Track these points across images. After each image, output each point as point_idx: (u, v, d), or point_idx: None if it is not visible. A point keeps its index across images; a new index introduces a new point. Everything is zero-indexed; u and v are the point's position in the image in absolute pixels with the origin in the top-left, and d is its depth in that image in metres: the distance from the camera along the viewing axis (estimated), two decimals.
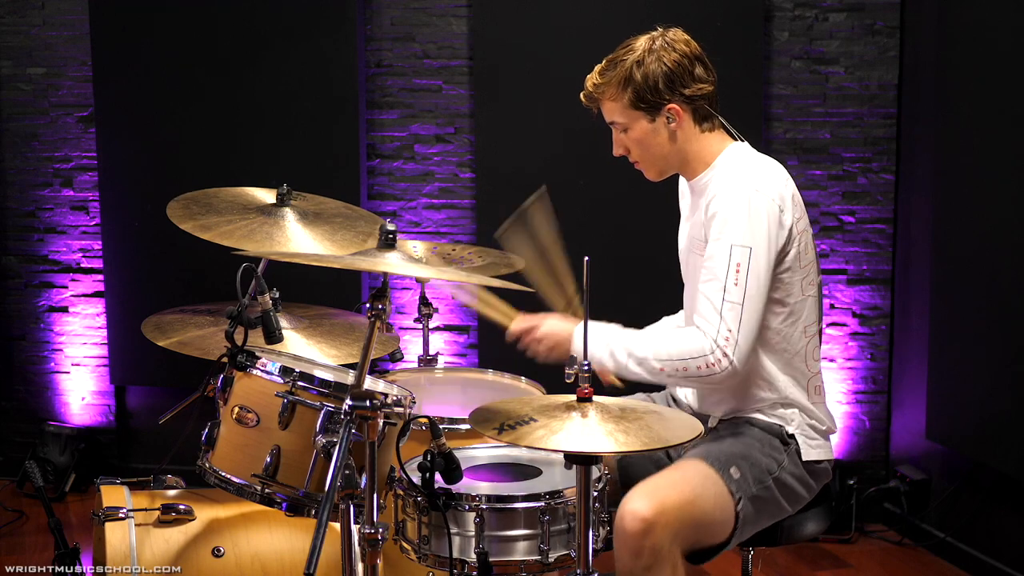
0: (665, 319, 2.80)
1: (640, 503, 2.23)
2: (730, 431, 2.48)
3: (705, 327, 2.33)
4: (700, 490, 2.32)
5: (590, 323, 2.30)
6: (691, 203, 2.58)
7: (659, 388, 2.77)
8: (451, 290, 3.26)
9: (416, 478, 2.20)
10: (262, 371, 2.26)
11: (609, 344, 2.39)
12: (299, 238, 2.69)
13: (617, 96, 2.46)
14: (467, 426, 2.49)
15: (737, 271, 2.31)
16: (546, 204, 2.61)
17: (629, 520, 2.22)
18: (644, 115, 2.46)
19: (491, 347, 4.26)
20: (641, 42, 2.46)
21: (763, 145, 3.63)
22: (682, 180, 2.66)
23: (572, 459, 2.02)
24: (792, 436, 2.48)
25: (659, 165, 2.54)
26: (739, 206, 2.35)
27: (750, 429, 2.48)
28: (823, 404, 2.56)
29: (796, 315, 2.45)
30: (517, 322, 2.54)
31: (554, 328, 2.48)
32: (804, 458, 2.48)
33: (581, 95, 2.53)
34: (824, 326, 3.75)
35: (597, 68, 2.50)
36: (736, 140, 2.53)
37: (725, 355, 2.30)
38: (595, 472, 2.21)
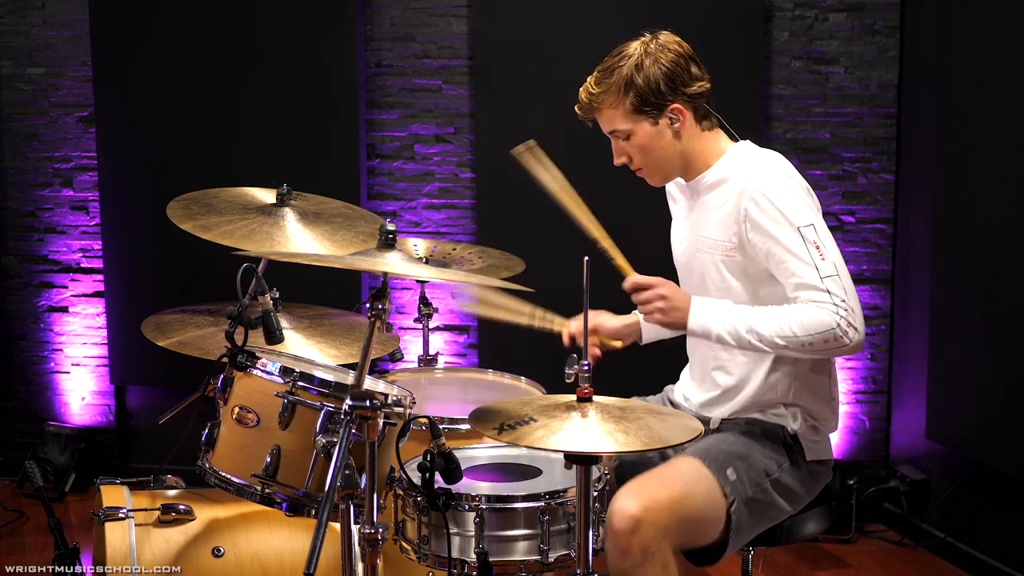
0: None
1: (628, 501, 2.23)
2: (731, 431, 2.48)
3: (824, 302, 2.31)
4: (691, 487, 2.32)
5: (705, 303, 2.40)
6: (689, 203, 2.58)
7: (658, 388, 2.77)
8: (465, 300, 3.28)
9: (416, 478, 2.20)
10: (262, 371, 2.26)
11: (730, 320, 2.37)
12: (299, 238, 2.69)
13: (617, 103, 2.45)
14: (467, 426, 2.49)
15: (818, 248, 2.33)
16: (539, 155, 2.58)
17: (617, 518, 2.22)
18: (647, 118, 2.45)
19: (491, 347, 4.26)
20: (634, 47, 2.46)
21: (763, 145, 3.61)
22: (672, 183, 2.66)
23: (572, 459, 2.02)
24: (794, 437, 2.48)
25: (663, 169, 2.53)
26: (785, 192, 2.38)
27: (752, 430, 2.48)
28: (833, 399, 2.56)
29: None
30: (637, 276, 2.50)
31: (676, 293, 2.45)
32: (806, 458, 2.48)
33: (576, 108, 2.52)
34: None
35: (591, 79, 2.49)
36: (734, 138, 2.54)
37: (850, 324, 2.30)
38: (595, 472, 2.21)
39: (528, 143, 2.60)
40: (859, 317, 2.32)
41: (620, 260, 2.55)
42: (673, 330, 2.54)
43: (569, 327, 2.63)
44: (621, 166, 2.56)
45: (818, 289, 2.31)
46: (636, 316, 2.73)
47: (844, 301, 2.30)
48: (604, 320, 2.71)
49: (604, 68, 2.47)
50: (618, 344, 2.71)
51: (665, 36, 2.47)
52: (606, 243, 2.56)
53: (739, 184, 2.42)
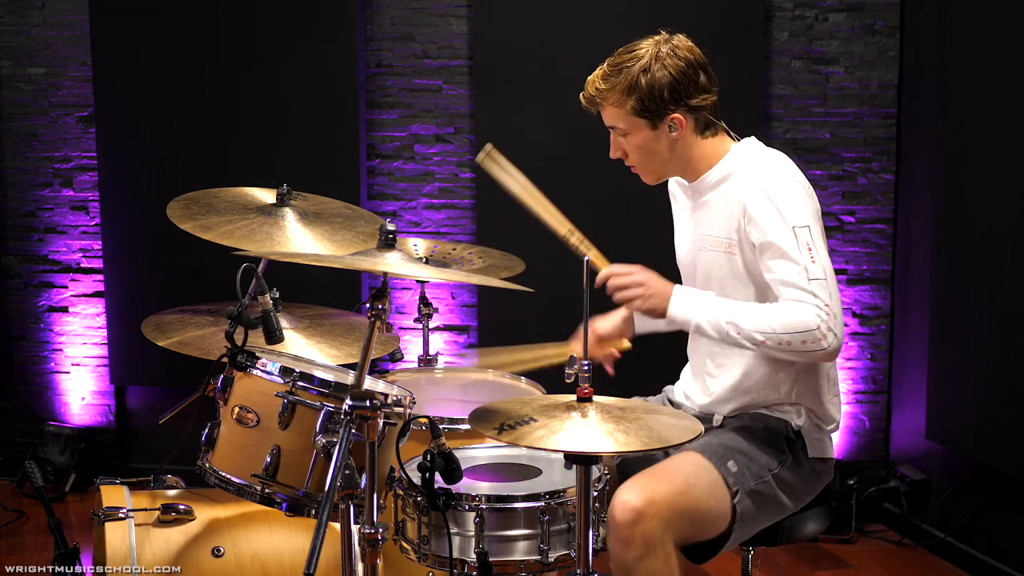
0: None
1: (630, 494, 2.23)
2: (733, 427, 2.48)
3: (808, 301, 2.30)
4: (693, 480, 2.32)
5: (687, 292, 2.40)
6: (692, 203, 2.58)
7: (657, 389, 2.77)
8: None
9: (416, 478, 2.20)
10: (262, 371, 2.26)
11: (712, 312, 2.36)
12: (299, 238, 2.69)
13: (620, 103, 2.44)
14: (467, 426, 2.48)
15: (810, 250, 2.32)
16: (497, 157, 2.60)
17: (619, 510, 2.22)
18: (646, 123, 2.45)
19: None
20: (646, 48, 2.44)
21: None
22: (674, 182, 2.66)
23: (572, 459, 2.02)
24: (797, 433, 2.48)
25: (658, 171, 2.54)
26: (785, 190, 2.37)
27: (754, 425, 2.48)
28: (837, 398, 2.56)
29: None
30: (612, 267, 2.50)
31: (655, 280, 2.45)
32: (809, 455, 2.48)
33: (581, 96, 2.51)
34: None
35: (599, 72, 2.47)
36: (739, 141, 2.54)
37: (831, 329, 2.28)
38: (595, 472, 2.21)
39: (486, 148, 2.62)
40: (840, 325, 2.31)
41: (593, 254, 2.54)
42: (653, 317, 2.50)
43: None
44: (617, 160, 2.55)
45: (804, 290, 2.30)
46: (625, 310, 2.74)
47: (828, 306, 2.29)
48: (599, 326, 2.71)
49: (613, 64, 2.46)
50: (627, 344, 2.71)
51: (679, 40, 2.45)
52: (575, 239, 2.56)
53: (741, 180, 2.42)
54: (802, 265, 2.31)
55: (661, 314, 2.42)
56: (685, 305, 2.39)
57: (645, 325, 2.73)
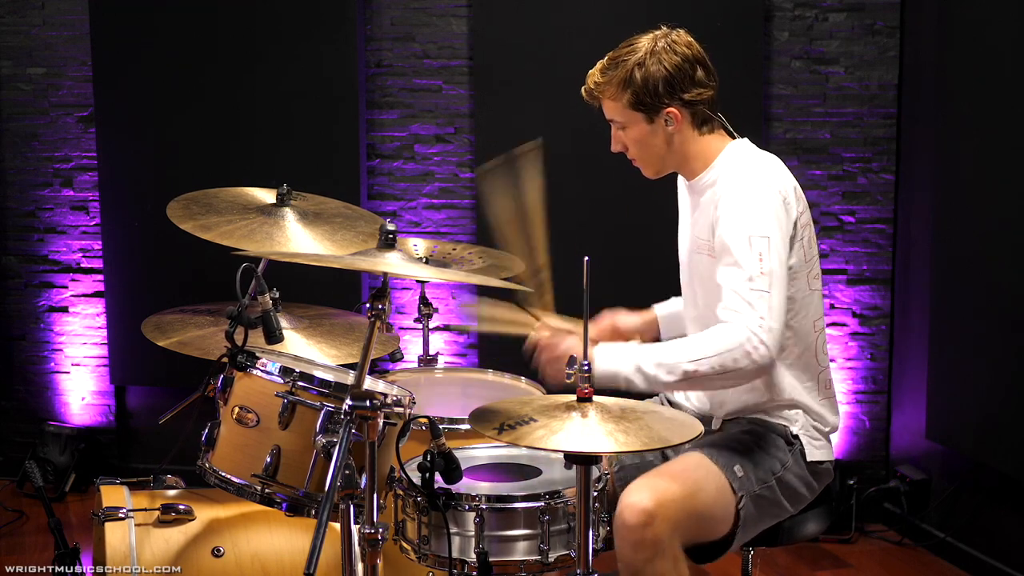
0: (673, 299, 2.79)
1: (640, 495, 2.24)
2: (735, 430, 2.49)
3: (735, 319, 2.28)
4: (701, 483, 2.32)
5: (608, 347, 2.34)
6: (691, 203, 2.58)
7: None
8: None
9: (416, 478, 2.20)
10: (262, 371, 2.26)
11: (635, 359, 2.31)
12: (299, 238, 2.69)
13: (617, 96, 2.46)
14: (467, 426, 2.48)
15: (760, 260, 2.29)
16: (538, 158, 2.56)
17: (629, 513, 2.22)
18: (643, 117, 2.46)
19: (491, 347, 4.26)
20: (644, 42, 2.45)
21: (763, 145, 3.62)
22: (681, 180, 2.66)
23: (572, 459, 2.02)
24: (796, 436, 2.48)
25: (656, 165, 2.54)
26: (751, 198, 2.36)
27: (754, 429, 2.48)
28: (831, 401, 2.56)
29: (805, 309, 2.46)
30: (537, 335, 2.47)
31: (579, 345, 2.35)
32: (808, 459, 2.48)
33: (582, 90, 2.53)
34: (824, 325, 3.75)
35: (599, 65, 2.50)
36: (735, 139, 2.54)
37: (762, 342, 2.25)
38: (595, 472, 2.21)
39: (537, 141, 2.56)
40: (775, 339, 2.27)
41: (546, 298, 2.52)
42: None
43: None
44: (619, 155, 2.56)
45: (742, 298, 2.28)
46: (653, 311, 2.76)
47: (763, 319, 2.26)
48: (622, 320, 2.73)
49: (612, 57, 2.47)
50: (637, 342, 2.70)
51: (677, 35, 2.46)
52: (541, 275, 2.53)
53: (722, 183, 2.43)
54: (748, 273, 2.29)
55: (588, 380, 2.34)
56: (608, 362, 2.32)
57: (672, 328, 2.74)
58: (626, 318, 2.75)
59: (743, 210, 2.35)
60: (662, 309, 2.80)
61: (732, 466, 2.37)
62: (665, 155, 2.50)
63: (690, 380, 2.30)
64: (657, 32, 2.47)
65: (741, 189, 2.38)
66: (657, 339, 2.74)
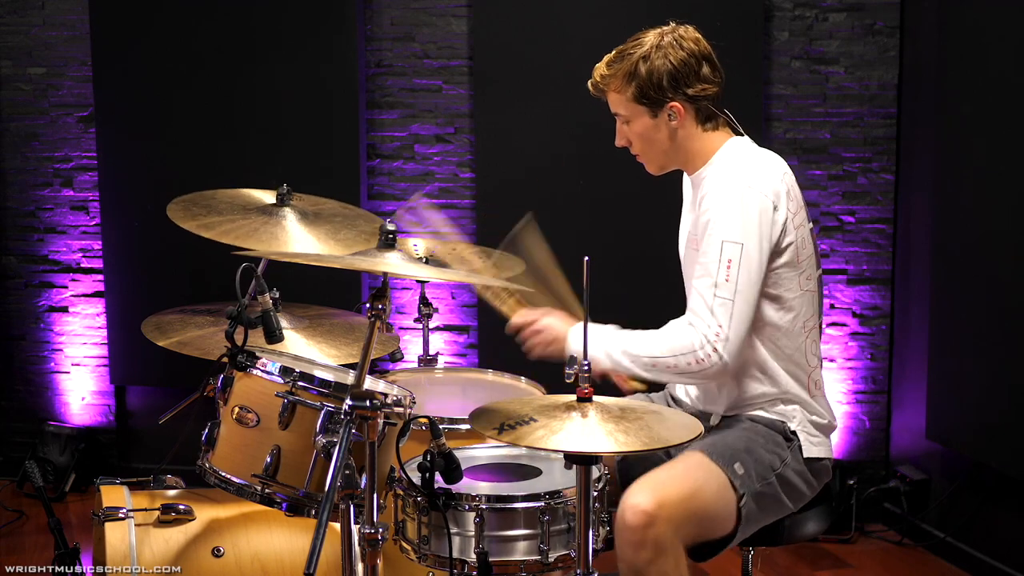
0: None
1: (641, 496, 2.24)
2: (733, 427, 2.49)
3: (696, 322, 2.35)
4: (702, 483, 2.33)
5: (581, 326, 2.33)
6: (692, 199, 2.59)
7: (661, 387, 2.77)
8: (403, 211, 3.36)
9: (416, 478, 2.20)
10: (262, 371, 2.26)
11: (605, 345, 2.41)
12: (299, 238, 2.69)
13: (622, 89, 2.47)
14: (467, 426, 2.49)
15: (728, 267, 2.32)
16: (534, 229, 2.67)
17: (630, 513, 2.22)
18: (646, 110, 2.46)
19: (491, 347, 4.26)
20: (650, 37, 2.46)
21: (763, 145, 3.65)
22: (685, 176, 2.67)
23: (572, 459, 2.02)
24: (794, 433, 2.48)
25: (659, 160, 2.55)
26: (731, 202, 2.37)
27: (753, 425, 2.48)
28: (823, 398, 2.56)
29: (795, 310, 2.46)
30: (519, 315, 2.58)
31: (553, 324, 2.52)
32: (806, 455, 2.48)
33: (588, 84, 2.55)
34: (824, 325, 3.76)
35: (606, 58, 2.51)
36: (739, 135, 2.54)
37: (715, 350, 2.31)
38: (595, 472, 2.21)
39: (527, 217, 2.69)
40: (732, 348, 2.32)
41: (504, 306, 2.61)
42: (558, 360, 2.48)
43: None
44: (621, 152, 2.57)
45: (704, 304, 2.34)
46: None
47: (721, 327, 2.31)
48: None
49: (619, 51, 2.49)
50: (638, 385, 2.71)
51: (684, 31, 2.47)
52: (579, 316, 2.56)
53: (712, 182, 2.44)
54: (714, 279, 2.33)
55: (563, 356, 2.44)
56: (580, 344, 2.37)
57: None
58: None
59: (722, 214, 2.36)
60: None
61: (732, 464, 2.37)
62: (668, 150, 2.50)
63: (651, 372, 2.39)
64: (665, 28, 2.49)
65: (725, 192, 2.38)
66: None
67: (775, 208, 2.38)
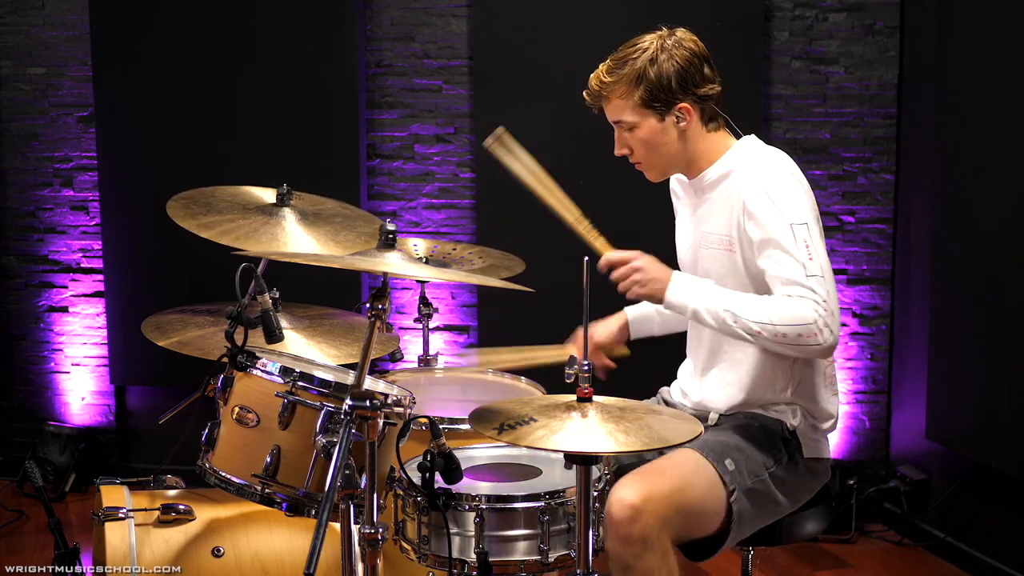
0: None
1: (627, 491, 2.23)
2: (729, 426, 2.49)
3: (808, 295, 2.30)
4: (690, 477, 2.32)
5: (685, 278, 2.40)
6: (694, 201, 2.58)
7: (652, 390, 2.77)
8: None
9: (416, 478, 2.20)
10: (262, 371, 2.26)
11: (705, 299, 2.36)
12: (299, 238, 2.69)
13: (627, 94, 2.46)
14: (467, 426, 2.48)
15: (807, 246, 2.32)
16: (509, 140, 2.59)
17: (617, 508, 2.22)
18: (654, 114, 2.46)
19: (491, 347, 4.26)
20: (650, 41, 2.46)
21: None
22: (675, 180, 2.67)
23: (572, 459, 2.02)
24: (793, 432, 2.48)
25: (663, 165, 2.54)
26: (784, 187, 2.38)
27: (750, 424, 2.48)
28: (834, 397, 2.57)
29: None
30: (613, 252, 2.50)
31: (654, 265, 2.45)
32: (804, 455, 2.48)
33: (584, 93, 2.53)
34: None
35: (603, 66, 2.49)
36: (739, 136, 2.54)
37: (827, 325, 2.28)
38: (595, 472, 2.21)
39: (497, 131, 2.60)
40: (836, 322, 2.31)
41: (598, 242, 2.55)
42: (653, 303, 2.50)
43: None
44: (618, 160, 2.56)
45: (802, 286, 2.30)
46: (623, 314, 2.75)
47: (825, 302, 2.29)
48: (596, 332, 2.75)
49: (617, 58, 2.48)
50: (624, 351, 2.71)
51: (681, 33, 2.48)
52: (581, 226, 2.56)
53: (741, 177, 2.43)
54: (800, 262, 2.32)
55: (659, 300, 2.42)
56: (683, 291, 2.39)
57: (640, 330, 2.75)
58: (599, 329, 2.76)
59: (777, 201, 2.36)
60: (633, 311, 2.82)
61: (723, 460, 2.37)
62: (674, 154, 2.50)
63: (756, 338, 2.33)
64: (660, 32, 2.48)
65: (776, 179, 2.39)
66: (628, 341, 2.79)
67: (809, 192, 2.42)
